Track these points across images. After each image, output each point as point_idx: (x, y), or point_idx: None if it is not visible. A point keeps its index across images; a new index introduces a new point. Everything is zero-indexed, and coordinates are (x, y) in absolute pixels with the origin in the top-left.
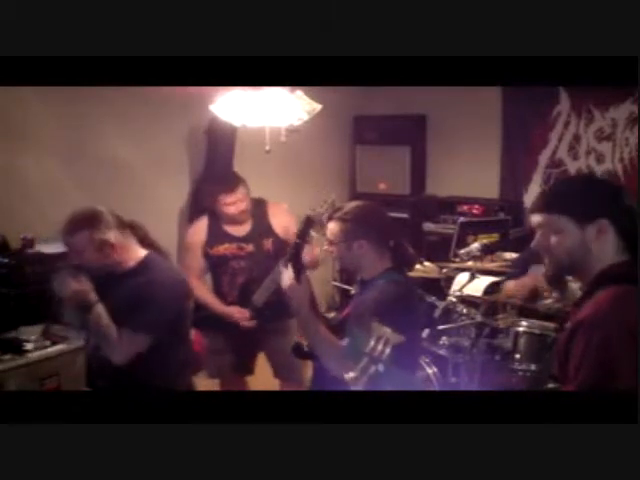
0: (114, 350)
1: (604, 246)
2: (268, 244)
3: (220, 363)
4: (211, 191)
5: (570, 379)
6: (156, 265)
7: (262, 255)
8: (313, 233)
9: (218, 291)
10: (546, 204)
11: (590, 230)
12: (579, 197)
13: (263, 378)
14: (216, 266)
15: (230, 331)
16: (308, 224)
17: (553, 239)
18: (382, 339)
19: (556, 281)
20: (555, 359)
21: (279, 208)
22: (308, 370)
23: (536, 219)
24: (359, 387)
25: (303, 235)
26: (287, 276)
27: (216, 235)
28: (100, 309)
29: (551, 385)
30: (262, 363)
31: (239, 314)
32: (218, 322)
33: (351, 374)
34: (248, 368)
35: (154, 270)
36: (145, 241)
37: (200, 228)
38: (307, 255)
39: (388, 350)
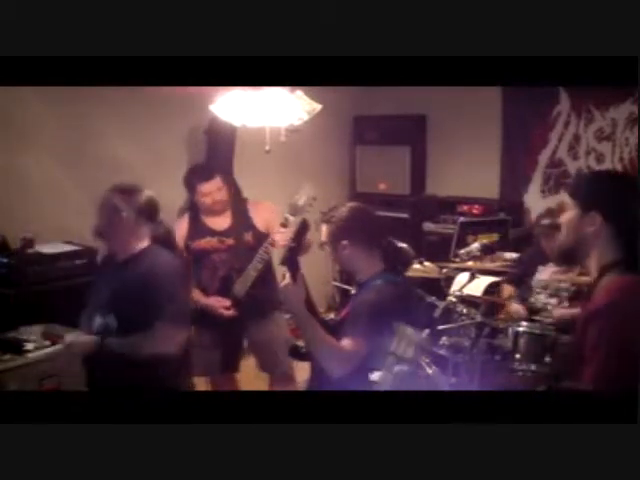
0: (160, 346)
1: (597, 238)
2: (249, 237)
3: (207, 360)
4: (190, 181)
5: (586, 368)
6: (157, 252)
7: (243, 248)
8: (290, 218)
9: (198, 285)
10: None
11: (586, 220)
12: (586, 187)
13: (251, 375)
14: (197, 260)
15: (215, 326)
16: (304, 228)
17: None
18: (405, 339)
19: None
20: (573, 351)
21: (260, 204)
22: (302, 372)
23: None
24: (386, 387)
25: (299, 239)
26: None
27: (197, 229)
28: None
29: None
30: (250, 360)
31: (218, 303)
32: (203, 318)
33: (376, 374)
34: (233, 365)
35: (155, 255)
36: (166, 242)
37: (182, 223)
38: (282, 238)
39: (411, 350)
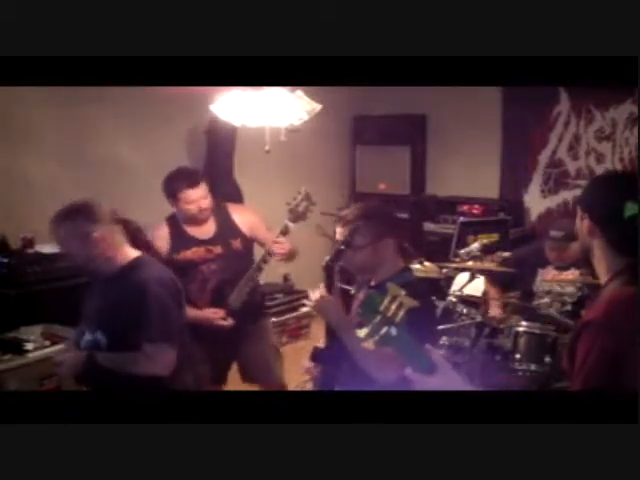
0: (149, 368)
1: (593, 242)
2: (237, 244)
3: (197, 375)
4: (171, 188)
5: (575, 377)
6: (147, 265)
7: (232, 256)
8: (291, 225)
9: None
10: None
11: (584, 223)
12: (586, 191)
13: (236, 387)
14: (183, 272)
15: (207, 339)
16: (339, 253)
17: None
18: (396, 300)
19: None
20: (565, 355)
21: (241, 208)
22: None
23: None
24: (370, 346)
25: (336, 259)
26: (315, 295)
27: (181, 240)
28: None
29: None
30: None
31: (215, 315)
32: (192, 332)
33: (364, 330)
34: (223, 378)
35: (146, 269)
36: (137, 240)
37: (161, 235)
38: (280, 248)
39: (401, 313)
